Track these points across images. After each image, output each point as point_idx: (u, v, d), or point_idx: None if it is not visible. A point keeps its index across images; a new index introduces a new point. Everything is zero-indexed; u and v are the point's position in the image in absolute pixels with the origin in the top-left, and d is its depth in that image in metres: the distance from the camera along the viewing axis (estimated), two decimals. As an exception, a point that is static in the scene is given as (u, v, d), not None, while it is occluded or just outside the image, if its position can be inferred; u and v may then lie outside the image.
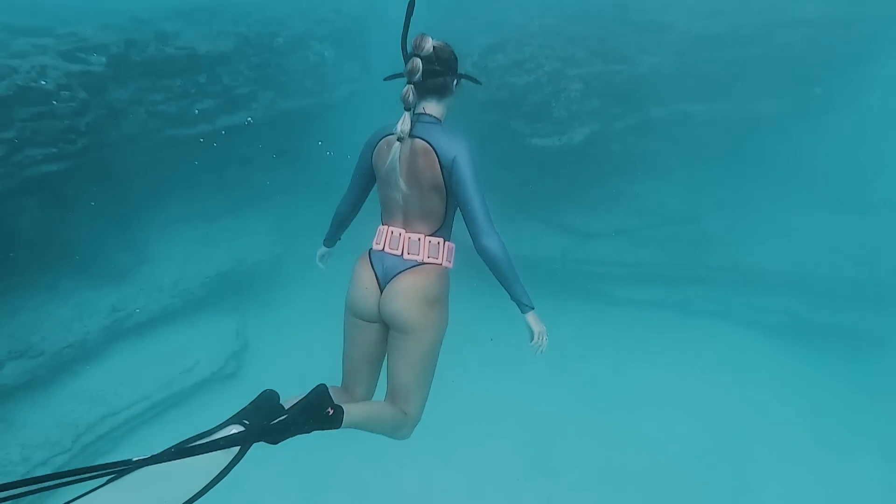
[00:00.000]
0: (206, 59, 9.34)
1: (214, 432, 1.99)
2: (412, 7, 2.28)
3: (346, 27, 11.91)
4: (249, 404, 2.16)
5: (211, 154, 9.55)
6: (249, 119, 9.82)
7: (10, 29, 9.15)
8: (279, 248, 10.25)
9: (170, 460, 1.78)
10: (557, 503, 7.27)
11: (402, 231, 2.49)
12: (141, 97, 8.94)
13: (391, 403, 2.56)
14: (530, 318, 2.45)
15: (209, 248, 9.77)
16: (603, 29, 10.65)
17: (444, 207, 2.44)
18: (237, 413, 2.13)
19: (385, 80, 2.56)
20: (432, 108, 2.46)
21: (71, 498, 1.62)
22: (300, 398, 2.18)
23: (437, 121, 2.46)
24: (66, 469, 1.69)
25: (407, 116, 2.35)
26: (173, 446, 1.87)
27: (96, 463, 1.82)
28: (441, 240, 2.50)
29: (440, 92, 2.45)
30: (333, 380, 2.65)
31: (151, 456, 1.76)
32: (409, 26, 2.31)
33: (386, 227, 2.53)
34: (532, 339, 2.46)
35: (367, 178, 2.64)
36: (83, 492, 1.67)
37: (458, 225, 2.52)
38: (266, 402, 2.17)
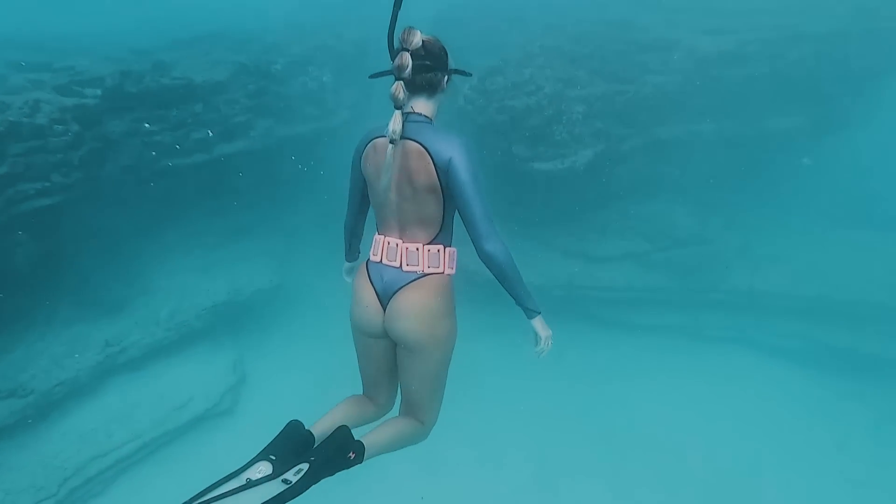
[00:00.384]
0: (203, 89, 9.29)
1: (243, 472, 2.06)
2: (400, 1, 2.13)
3: (346, 52, 11.86)
4: (276, 438, 2.24)
5: (208, 183, 9.44)
6: (246, 147, 9.71)
7: (12, 65, 9.24)
8: (279, 278, 10.05)
9: None
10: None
11: (399, 241, 2.34)
12: (137, 128, 8.88)
13: (407, 415, 2.57)
14: (537, 323, 2.39)
15: (207, 278, 9.60)
16: (605, 48, 10.46)
17: (442, 212, 2.29)
18: (264, 448, 2.19)
19: (371, 77, 2.41)
20: (422, 106, 2.31)
21: None
22: (323, 440, 2.25)
23: (429, 120, 2.31)
24: None
25: (398, 116, 2.19)
26: (201, 493, 1.92)
27: None
28: (440, 247, 2.35)
29: (431, 89, 2.30)
30: (340, 394, 2.69)
31: None
32: (396, 20, 2.16)
33: (382, 236, 2.40)
34: (537, 343, 2.41)
35: (363, 185, 2.50)
36: None
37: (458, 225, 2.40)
38: (292, 434, 2.26)
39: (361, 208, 2.64)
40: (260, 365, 9.16)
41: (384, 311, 2.36)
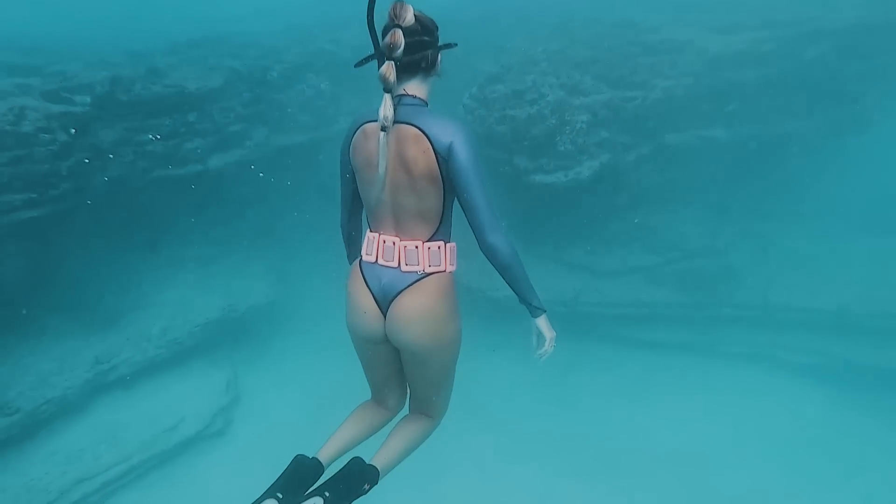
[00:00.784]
0: (196, 97, 9.05)
1: None
2: None
3: (344, 58, 11.57)
4: (282, 475, 2.16)
5: (203, 194, 9.20)
6: (244, 159, 9.46)
7: (2, 67, 9.08)
8: (275, 293, 9.77)
9: None
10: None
11: (396, 239, 2.16)
12: (129, 137, 8.67)
13: (415, 411, 2.53)
14: (541, 322, 2.27)
15: (201, 292, 9.37)
16: (611, 52, 10.08)
17: (442, 203, 2.10)
18: (270, 486, 2.11)
19: (356, 66, 2.17)
20: (415, 88, 2.11)
21: None
22: (336, 474, 2.19)
23: (423, 103, 2.12)
24: None
25: (388, 100, 1.97)
26: None
27: None
28: (441, 243, 2.18)
29: (425, 69, 2.10)
30: (338, 415, 2.61)
31: None
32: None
33: (376, 234, 2.21)
34: (540, 345, 2.29)
35: (354, 179, 2.31)
36: None
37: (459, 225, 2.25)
38: (298, 469, 2.18)
39: (356, 205, 2.44)
40: (255, 384, 8.89)
41: (384, 316, 2.20)
